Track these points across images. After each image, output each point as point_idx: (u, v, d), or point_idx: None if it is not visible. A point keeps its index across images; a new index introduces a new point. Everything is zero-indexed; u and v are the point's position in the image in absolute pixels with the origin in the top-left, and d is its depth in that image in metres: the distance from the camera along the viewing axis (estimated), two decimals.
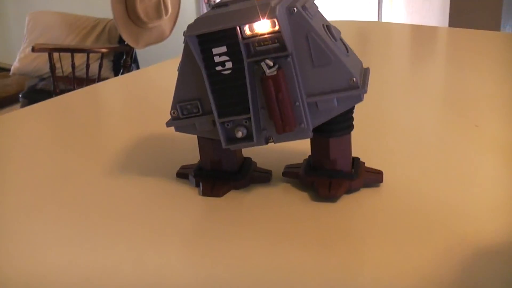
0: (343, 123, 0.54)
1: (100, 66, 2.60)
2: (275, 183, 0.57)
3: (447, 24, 3.51)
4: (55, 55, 2.53)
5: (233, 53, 0.49)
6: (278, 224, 0.50)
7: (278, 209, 0.53)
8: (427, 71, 0.97)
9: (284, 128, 0.50)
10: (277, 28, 0.48)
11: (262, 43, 0.49)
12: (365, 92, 0.51)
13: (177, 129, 0.55)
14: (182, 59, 0.52)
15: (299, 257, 0.45)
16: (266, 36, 0.49)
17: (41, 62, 2.88)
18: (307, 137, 0.52)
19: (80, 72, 2.73)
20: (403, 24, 1.49)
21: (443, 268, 0.42)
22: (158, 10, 2.55)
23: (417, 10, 3.78)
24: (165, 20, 2.64)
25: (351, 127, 0.54)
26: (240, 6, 0.49)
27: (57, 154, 0.67)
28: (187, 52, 0.52)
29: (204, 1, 3.42)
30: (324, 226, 0.49)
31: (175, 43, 3.23)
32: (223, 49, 0.50)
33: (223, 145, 0.53)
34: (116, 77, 1.01)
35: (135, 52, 2.87)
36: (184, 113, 0.54)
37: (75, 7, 3.53)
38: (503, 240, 0.46)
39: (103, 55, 2.59)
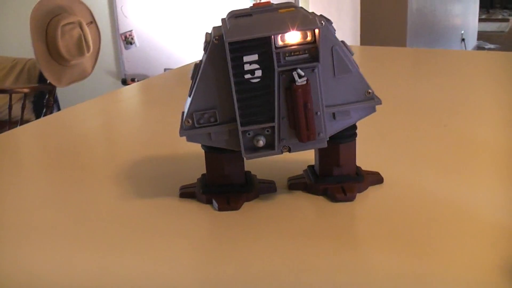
0: (350, 130, 0.57)
1: (23, 107, 2.53)
2: (282, 191, 0.59)
3: (359, 43, 3.66)
4: None
5: (264, 62, 0.51)
6: (301, 227, 0.52)
7: (297, 213, 0.55)
8: None
9: (309, 137, 0.52)
10: (309, 39, 0.51)
11: (292, 53, 0.51)
12: (380, 103, 0.54)
13: (189, 139, 0.55)
14: (203, 68, 0.53)
15: (331, 253, 0.47)
16: (297, 46, 0.51)
17: None
18: (323, 146, 0.54)
19: (1, 114, 2.64)
20: None
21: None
22: (80, 47, 2.52)
23: None
24: (87, 58, 2.61)
25: (356, 134, 0.57)
26: (268, 17, 0.52)
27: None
28: (210, 61, 0.53)
29: (122, 38, 3.40)
30: (344, 225, 0.52)
31: (97, 81, 3.20)
32: (255, 57, 0.51)
33: (243, 154, 0.54)
34: (57, 112, 1.00)
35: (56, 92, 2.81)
36: (200, 122, 0.54)
37: None
38: (501, 235, 0.50)
39: (25, 95, 2.52)
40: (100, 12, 3.17)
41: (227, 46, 0.51)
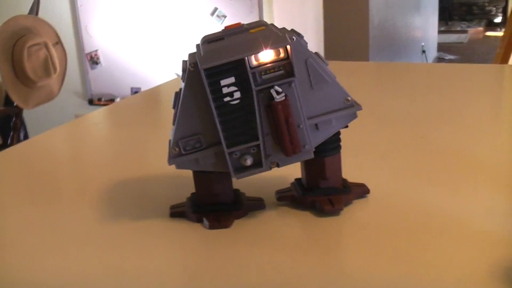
0: (335, 143, 0.58)
1: None
2: (270, 208, 0.60)
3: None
4: None
5: (241, 83, 0.52)
6: (291, 243, 0.53)
7: (286, 229, 0.56)
8: None
9: (294, 150, 0.54)
10: (282, 55, 0.52)
11: (268, 71, 0.53)
12: (361, 109, 0.55)
13: (178, 166, 0.56)
14: (183, 96, 0.54)
15: (322, 267, 0.48)
16: (271, 64, 0.52)
17: None
18: (310, 157, 0.55)
19: None
20: None
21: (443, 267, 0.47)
22: (46, 69, 2.50)
23: None
24: (54, 79, 2.59)
25: (340, 146, 0.59)
26: (241, 38, 0.53)
27: None
28: (189, 88, 0.54)
29: (87, 58, 3.39)
30: (334, 237, 0.53)
31: (63, 102, 3.17)
32: (231, 80, 0.52)
33: (232, 176, 0.55)
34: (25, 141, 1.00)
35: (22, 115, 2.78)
36: (187, 148, 0.55)
37: None
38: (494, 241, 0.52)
39: None
40: (65, 32, 3.15)
41: (202, 72, 0.52)
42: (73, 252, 0.54)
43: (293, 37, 0.52)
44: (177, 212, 0.60)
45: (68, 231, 0.59)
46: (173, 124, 0.56)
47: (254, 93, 0.52)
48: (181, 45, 3.20)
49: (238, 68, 0.52)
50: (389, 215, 0.56)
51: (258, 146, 0.54)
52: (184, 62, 0.57)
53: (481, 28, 9.78)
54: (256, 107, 0.53)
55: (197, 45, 0.57)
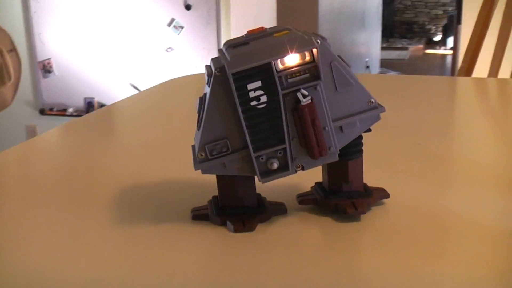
0: (357, 147, 0.59)
1: None
2: (291, 213, 0.60)
3: None
4: None
5: (267, 87, 0.53)
6: (314, 246, 0.54)
7: (308, 233, 0.56)
8: None
9: (321, 153, 0.54)
10: (307, 59, 0.53)
11: (293, 75, 0.53)
12: (384, 111, 0.57)
13: (204, 171, 0.56)
14: (209, 101, 0.54)
15: (346, 268, 0.49)
16: (296, 68, 0.53)
17: None
18: (335, 160, 0.56)
19: None
20: None
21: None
22: (1, 77, 2.43)
23: None
24: (8, 87, 2.52)
25: (362, 150, 0.60)
26: (266, 43, 0.53)
27: None
28: (215, 93, 0.54)
29: (40, 66, 3.31)
30: (358, 241, 0.54)
31: (13, 111, 3.09)
32: (258, 84, 0.53)
33: (259, 179, 0.55)
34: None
35: None
36: (213, 153, 0.55)
37: None
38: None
39: None
40: (17, 39, 3.07)
41: (230, 77, 0.52)
42: (90, 255, 0.53)
43: (318, 40, 0.53)
44: (199, 215, 0.60)
45: (84, 235, 0.57)
46: (198, 129, 0.56)
47: (281, 96, 0.53)
48: (137, 55, 3.17)
49: (265, 72, 0.52)
50: (408, 220, 0.58)
51: (284, 149, 0.55)
52: (208, 67, 0.57)
53: (421, 46, 10.10)
54: (283, 111, 0.53)
55: (220, 50, 0.57)
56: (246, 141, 0.54)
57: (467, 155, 0.77)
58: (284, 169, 0.55)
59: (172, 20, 3.11)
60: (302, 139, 0.54)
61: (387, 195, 0.62)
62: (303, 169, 0.56)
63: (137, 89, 3.18)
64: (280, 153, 0.55)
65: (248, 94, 0.53)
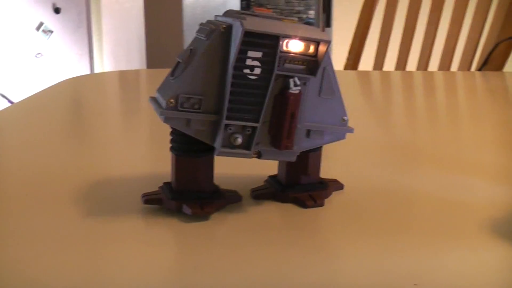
0: None
1: None
2: (248, 201, 0.59)
3: None
4: None
5: (266, 62, 0.51)
6: (275, 234, 0.52)
7: (268, 221, 0.55)
8: None
9: (287, 146, 0.53)
10: (310, 51, 0.52)
11: (291, 61, 0.52)
12: (352, 132, 0.57)
13: (167, 120, 0.52)
14: (203, 53, 0.52)
15: (308, 257, 0.49)
16: (298, 56, 0.52)
17: None
18: (292, 160, 0.55)
19: None
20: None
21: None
22: None
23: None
24: None
25: None
26: (278, 21, 0.52)
27: None
28: (212, 47, 0.52)
29: None
30: (320, 230, 0.54)
31: None
32: (259, 54, 0.51)
33: (218, 147, 0.53)
34: None
35: None
36: (184, 106, 0.52)
37: None
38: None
39: None
40: None
41: (242, 35, 0.49)
42: (48, 254, 0.48)
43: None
44: (152, 199, 0.56)
45: (38, 234, 0.52)
46: (172, 76, 0.53)
47: (273, 75, 0.51)
48: (4, 60, 2.98)
49: (271, 46, 0.51)
50: (365, 206, 0.58)
51: (254, 129, 0.53)
52: (209, 22, 0.55)
53: None
54: (269, 90, 0.52)
55: (227, 12, 0.55)
56: (220, 107, 0.52)
57: (426, 144, 0.80)
58: (245, 148, 0.53)
59: (41, 24, 2.95)
60: (274, 126, 0.53)
61: (341, 186, 0.62)
62: (259, 156, 0.55)
63: (7, 98, 2.98)
64: (248, 130, 0.53)
65: (245, 61, 0.51)
